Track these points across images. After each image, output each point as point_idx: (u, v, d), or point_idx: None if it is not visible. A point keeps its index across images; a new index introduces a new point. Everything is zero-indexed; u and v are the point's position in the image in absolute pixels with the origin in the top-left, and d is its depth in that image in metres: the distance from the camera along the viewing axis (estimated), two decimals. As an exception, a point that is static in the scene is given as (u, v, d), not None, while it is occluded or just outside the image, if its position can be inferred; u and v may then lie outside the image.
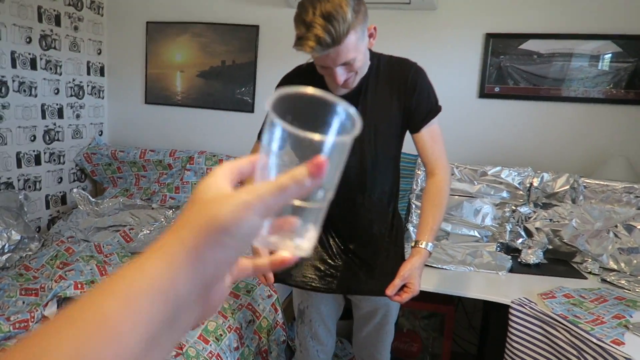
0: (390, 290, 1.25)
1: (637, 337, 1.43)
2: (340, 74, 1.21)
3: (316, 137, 0.35)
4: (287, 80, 1.47)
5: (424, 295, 1.80)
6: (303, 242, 0.38)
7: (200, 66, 2.97)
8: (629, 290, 1.80)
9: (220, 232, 0.32)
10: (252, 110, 2.90)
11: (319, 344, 1.63)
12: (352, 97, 1.34)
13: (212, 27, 2.90)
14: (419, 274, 1.28)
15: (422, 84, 1.35)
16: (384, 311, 1.52)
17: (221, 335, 1.63)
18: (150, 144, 3.05)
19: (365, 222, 1.43)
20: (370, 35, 1.28)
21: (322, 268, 1.44)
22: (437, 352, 2.26)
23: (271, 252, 0.41)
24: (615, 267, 1.99)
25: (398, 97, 1.35)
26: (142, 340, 0.31)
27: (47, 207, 2.75)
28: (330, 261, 1.44)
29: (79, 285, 1.82)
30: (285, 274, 1.43)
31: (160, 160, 2.83)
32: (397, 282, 1.26)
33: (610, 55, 2.35)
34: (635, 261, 1.95)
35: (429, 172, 1.40)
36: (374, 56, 1.39)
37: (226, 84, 2.93)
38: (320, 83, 1.36)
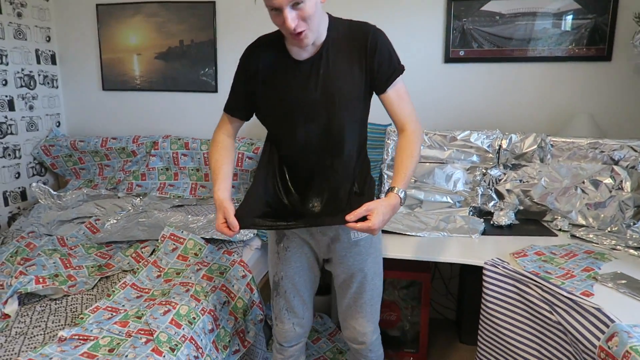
0: (350, 216, 1.23)
1: (605, 288, 1.46)
2: (291, 18, 1.19)
3: None
4: (250, 50, 1.44)
5: (400, 264, 1.81)
6: None
7: (157, 47, 2.84)
8: (597, 244, 1.83)
9: None
10: (215, 90, 2.81)
11: (295, 317, 1.60)
12: (314, 62, 1.33)
13: (166, 6, 2.78)
14: (382, 212, 1.24)
15: (382, 45, 1.33)
16: (359, 277, 1.49)
17: (194, 318, 1.59)
18: (111, 131, 2.93)
19: (329, 188, 1.40)
20: None
21: (283, 212, 1.42)
22: (416, 320, 2.28)
23: None
24: (583, 222, 2.02)
25: (359, 59, 1.33)
26: None
27: (6, 204, 2.62)
28: (291, 206, 1.43)
29: (41, 280, 1.74)
30: (246, 218, 1.37)
31: (124, 148, 2.72)
32: (359, 210, 1.23)
33: (572, 10, 2.35)
34: (602, 215, 1.98)
35: (399, 130, 1.39)
36: (333, 21, 1.37)
37: (186, 64, 2.82)
38: (282, 51, 1.35)
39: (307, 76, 1.34)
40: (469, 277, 2.25)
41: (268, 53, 1.39)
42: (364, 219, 1.24)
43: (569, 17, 2.35)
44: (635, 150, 2.01)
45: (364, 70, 1.34)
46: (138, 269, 1.93)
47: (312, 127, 1.36)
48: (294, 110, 1.36)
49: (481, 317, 1.68)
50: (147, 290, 1.81)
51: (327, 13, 1.38)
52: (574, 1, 2.33)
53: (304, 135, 1.37)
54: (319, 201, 1.42)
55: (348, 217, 1.24)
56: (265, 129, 1.47)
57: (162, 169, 2.70)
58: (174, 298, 1.65)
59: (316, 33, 1.29)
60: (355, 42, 1.33)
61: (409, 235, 1.94)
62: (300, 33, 1.23)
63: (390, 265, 1.71)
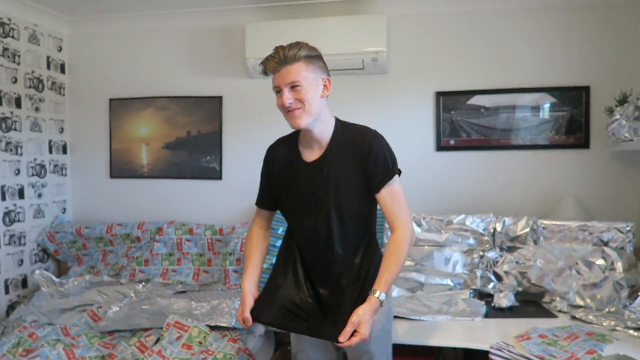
0: (342, 337, 1.34)
1: (611, 370, 1.48)
2: (287, 96, 1.41)
3: None
4: (270, 151, 1.66)
5: (404, 349, 1.82)
6: None
7: (165, 138, 3.01)
8: (598, 325, 1.88)
9: None
10: (219, 177, 2.94)
11: None
12: (319, 163, 1.51)
13: (176, 100, 2.99)
14: (368, 320, 1.35)
15: (376, 149, 1.48)
16: (367, 358, 1.56)
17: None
18: (117, 218, 3.00)
19: (334, 275, 1.52)
20: (325, 87, 1.48)
21: (294, 310, 1.54)
22: (424, 408, 2.22)
23: None
24: (581, 303, 2.07)
25: (356, 161, 1.49)
26: None
27: (7, 291, 2.61)
28: (302, 304, 1.55)
29: (46, 374, 1.72)
30: (261, 314, 1.53)
31: (128, 234, 2.78)
32: (347, 330, 1.35)
33: (548, 105, 2.58)
34: (599, 296, 2.04)
35: (391, 228, 1.51)
36: (338, 124, 1.55)
37: (192, 153, 2.98)
38: (296, 152, 1.57)
39: (313, 175, 1.52)
40: (473, 358, 2.23)
41: (283, 154, 1.60)
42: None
43: (546, 109, 2.58)
44: (622, 232, 2.12)
45: (360, 171, 1.49)
46: (142, 359, 1.91)
47: (316, 220, 1.52)
48: (301, 204, 1.54)
49: (491, 403, 1.67)
50: (152, 382, 1.78)
51: (335, 117, 1.55)
52: (550, 95, 2.57)
53: (310, 228, 1.53)
54: (326, 289, 1.54)
55: (340, 339, 1.34)
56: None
57: (165, 255, 2.74)
58: (181, 390, 1.63)
59: (312, 118, 1.46)
60: (355, 145, 1.50)
61: (412, 319, 1.97)
62: (293, 110, 1.43)
63: (395, 349, 1.72)
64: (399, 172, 1.52)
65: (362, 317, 1.35)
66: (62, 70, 3.08)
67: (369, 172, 1.48)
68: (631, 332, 1.79)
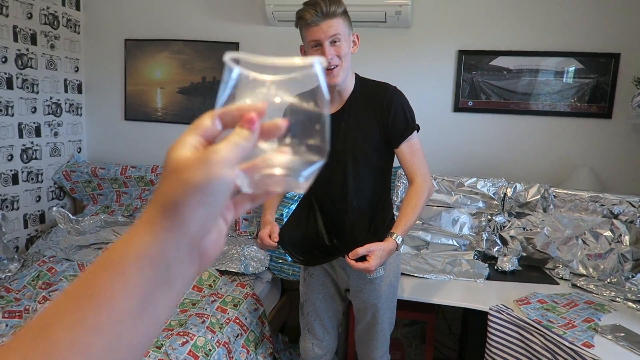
0: (351, 253, 1.41)
1: (605, 340, 1.53)
2: (330, 51, 1.41)
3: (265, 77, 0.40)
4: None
5: (406, 304, 1.88)
6: (276, 162, 0.40)
7: (180, 82, 2.99)
8: (597, 295, 1.91)
9: (197, 194, 0.36)
10: (233, 126, 2.93)
11: (314, 338, 1.77)
12: (337, 116, 1.53)
13: (192, 44, 2.94)
14: (379, 255, 1.42)
15: (397, 105, 1.51)
16: (372, 311, 1.65)
17: (210, 350, 1.65)
18: (131, 160, 3.04)
19: (347, 226, 1.57)
20: (354, 43, 1.51)
21: (311, 247, 1.64)
22: (419, 359, 2.33)
23: None
24: (584, 272, 2.11)
25: (376, 116, 1.51)
26: (134, 302, 0.36)
27: (25, 226, 2.71)
28: (318, 246, 1.63)
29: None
30: (284, 239, 1.60)
31: (142, 177, 2.83)
32: (359, 250, 1.41)
33: (573, 70, 2.49)
34: (602, 266, 2.07)
35: (409, 181, 1.56)
36: (358, 79, 1.57)
37: (207, 99, 2.96)
38: None
39: (332, 127, 1.48)
40: (472, 319, 2.30)
41: None
42: (364, 258, 1.41)
43: (571, 75, 2.50)
44: (634, 206, 2.11)
45: (380, 126, 1.51)
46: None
47: (332, 173, 1.54)
48: None
49: (485, 361, 1.74)
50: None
51: (355, 72, 1.53)
52: (577, 60, 2.48)
53: (327, 180, 1.55)
54: (340, 237, 1.60)
55: (350, 255, 1.42)
56: None
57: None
58: (191, 329, 1.72)
59: (346, 74, 1.49)
60: (375, 100, 1.52)
61: (416, 276, 2.02)
62: (333, 69, 1.43)
63: (398, 304, 1.79)
64: (418, 128, 1.55)
65: (377, 250, 1.41)
66: (77, 7, 3.02)
67: (389, 127, 1.50)
68: (630, 304, 1.83)
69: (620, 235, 2.09)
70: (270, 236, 1.55)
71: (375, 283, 1.61)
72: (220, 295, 2.04)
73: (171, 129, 3.03)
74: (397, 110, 1.50)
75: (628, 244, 2.06)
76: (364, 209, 1.56)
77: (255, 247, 2.31)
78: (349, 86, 1.54)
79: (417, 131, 1.56)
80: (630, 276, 1.98)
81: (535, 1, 2.49)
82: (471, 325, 2.32)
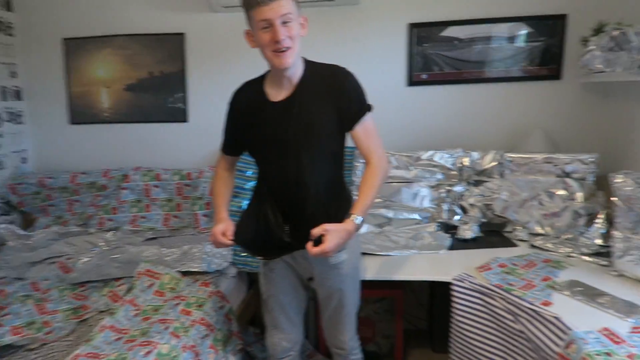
0: (309, 243, 1.38)
1: (563, 296, 1.56)
2: (282, 31, 1.36)
3: None
4: (235, 95, 1.62)
5: (373, 283, 1.87)
6: None
7: (126, 80, 2.87)
8: (554, 252, 1.95)
9: None
10: (185, 120, 2.85)
11: (281, 332, 1.74)
12: (288, 102, 1.48)
13: (135, 39, 2.81)
14: (337, 237, 1.37)
15: (350, 86, 1.48)
16: (338, 296, 1.63)
17: (175, 356, 1.59)
18: (80, 165, 2.91)
19: (306, 215, 1.52)
20: (302, 26, 1.45)
21: (269, 242, 1.58)
22: (391, 333, 2.34)
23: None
24: (541, 231, 2.14)
25: (329, 100, 1.47)
26: None
27: (-27, 246, 2.57)
28: (276, 240, 1.57)
29: (17, 331, 1.73)
30: (239, 236, 1.55)
31: (93, 182, 2.72)
32: (314, 231, 1.38)
33: (523, 35, 2.50)
34: (558, 224, 2.11)
35: (366, 162, 1.53)
36: (307, 63, 1.52)
37: (156, 95, 2.85)
38: (261, 94, 1.53)
39: (282, 115, 1.48)
40: (439, 289, 2.32)
41: (249, 96, 1.56)
42: (319, 241, 1.37)
43: (521, 40, 2.51)
44: (585, 163, 2.15)
45: (334, 109, 1.47)
46: (115, 309, 1.92)
47: (286, 162, 1.50)
48: (270, 146, 1.52)
49: (452, 329, 1.76)
50: (126, 330, 1.79)
51: (302, 57, 1.50)
52: (526, 24, 2.49)
53: (280, 169, 1.51)
54: (298, 228, 1.54)
55: (308, 245, 1.38)
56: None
57: (133, 202, 2.71)
58: (154, 337, 1.65)
59: (297, 57, 1.45)
60: (326, 84, 1.47)
61: (380, 255, 2.02)
62: (285, 51, 1.38)
63: (364, 283, 1.78)
64: (371, 108, 1.52)
65: (332, 232, 1.37)
66: (9, 8, 2.84)
67: (344, 110, 1.47)
68: (584, 257, 1.87)
69: (574, 192, 2.13)
70: (224, 234, 1.50)
71: (340, 268, 1.58)
72: (183, 298, 1.97)
73: (121, 129, 2.92)
74: (351, 93, 1.48)
75: (581, 200, 2.10)
76: (322, 196, 1.53)
77: (217, 242, 2.26)
78: (298, 71, 1.49)
79: (370, 111, 1.53)
80: (584, 230, 2.03)
81: (479, -33, 2.48)
82: (437, 295, 2.36)
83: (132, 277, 2.11)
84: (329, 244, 1.36)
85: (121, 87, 2.88)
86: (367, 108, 1.52)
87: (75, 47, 2.87)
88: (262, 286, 1.75)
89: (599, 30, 2.17)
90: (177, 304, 1.94)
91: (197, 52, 2.77)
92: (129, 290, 2.06)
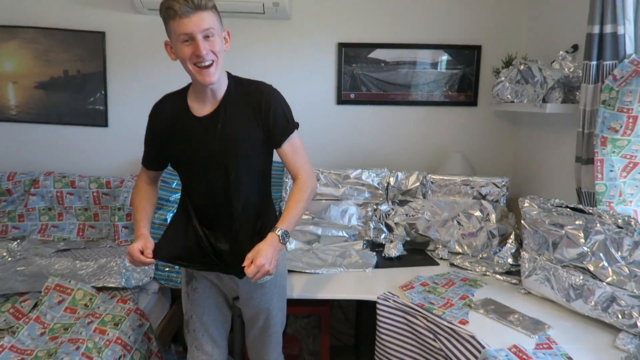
0: (247, 269, 1.33)
1: (478, 314, 1.67)
2: (204, 46, 1.32)
3: None
4: (156, 108, 1.55)
5: (300, 301, 1.88)
6: None
7: (37, 76, 2.63)
8: (471, 271, 2.09)
9: None
10: (105, 124, 2.67)
11: (204, 354, 1.67)
12: (212, 117, 1.44)
13: (49, 33, 2.59)
14: (264, 254, 1.35)
15: (275, 105, 1.46)
16: (265, 315, 1.61)
17: (87, 381, 1.49)
18: (-20, 168, 2.62)
19: (233, 231, 1.50)
20: (225, 40, 1.42)
21: (195, 256, 1.53)
22: (318, 350, 2.36)
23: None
24: (460, 250, 2.29)
25: (255, 117, 1.46)
26: None
27: None
28: (202, 257, 1.54)
29: None
30: (160, 251, 1.49)
31: (-4, 187, 2.46)
32: (245, 263, 1.35)
33: (444, 62, 2.67)
34: (475, 243, 2.26)
35: (293, 178, 1.54)
36: (232, 79, 1.49)
37: (72, 95, 2.64)
38: (185, 108, 1.48)
39: (206, 130, 1.44)
40: (365, 305, 2.40)
41: (172, 110, 1.49)
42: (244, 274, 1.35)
43: (443, 66, 2.67)
44: (498, 187, 2.33)
45: (260, 126, 1.46)
46: (17, 327, 1.75)
47: (211, 177, 1.46)
48: (194, 161, 1.46)
49: (376, 346, 1.81)
50: (29, 352, 1.65)
51: (227, 71, 1.45)
52: (446, 53, 2.66)
53: (205, 184, 1.47)
54: (225, 243, 1.52)
55: (244, 264, 1.34)
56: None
57: (44, 209, 2.48)
58: (62, 359, 1.53)
59: (221, 72, 1.41)
60: (251, 101, 1.45)
61: (308, 272, 2.03)
62: (209, 66, 1.34)
63: (291, 301, 1.78)
64: (297, 126, 1.53)
65: (258, 252, 1.35)
66: None
67: (270, 127, 1.46)
68: (497, 276, 2.02)
69: (488, 214, 2.30)
70: (143, 252, 1.42)
71: (266, 287, 1.57)
72: (98, 315, 1.85)
73: (30, 129, 2.67)
74: (277, 111, 1.46)
75: (495, 222, 2.27)
76: (249, 211, 1.51)
77: (137, 257, 2.14)
78: (222, 85, 1.45)
79: (297, 129, 1.53)
80: (497, 250, 2.20)
81: (407, -4, 2.61)
82: (364, 312, 2.42)
83: (39, 292, 1.94)
84: (259, 261, 1.32)
85: (31, 84, 2.63)
86: (294, 126, 1.52)
87: (-23, 35, 2.58)
88: (185, 306, 1.68)
89: (508, 63, 2.38)
90: (91, 322, 1.81)
91: (119, 53, 2.62)
92: (35, 306, 1.89)
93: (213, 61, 1.35)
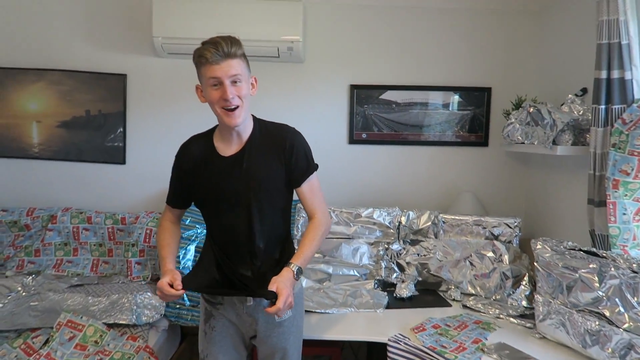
0: (272, 308, 1.35)
1: (491, 359, 1.63)
2: (231, 90, 1.40)
3: None
4: (183, 148, 1.61)
5: (310, 341, 1.85)
6: None
7: (60, 116, 2.73)
8: (484, 313, 2.05)
9: None
10: (123, 162, 2.74)
11: None
12: (237, 157, 1.51)
13: (74, 75, 2.71)
14: (285, 286, 1.38)
15: (298, 146, 1.54)
16: (281, 354, 1.60)
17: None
18: (2, 202, 2.69)
19: (255, 269, 1.53)
20: (252, 85, 1.50)
21: (223, 283, 1.55)
22: (328, 393, 2.30)
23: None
24: (473, 291, 2.25)
25: (278, 157, 1.53)
26: None
27: None
28: (227, 280, 1.55)
29: None
30: (190, 283, 1.50)
31: (15, 221, 2.52)
32: (271, 286, 1.37)
33: (456, 104, 2.71)
34: (488, 285, 2.23)
35: (309, 217, 1.59)
36: (256, 121, 1.57)
37: (92, 134, 2.74)
38: (211, 148, 1.54)
39: (232, 169, 1.51)
40: (375, 348, 2.35)
41: (198, 150, 1.56)
42: (273, 295, 1.37)
43: (454, 108, 2.72)
44: (510, 227, 2.32)
45: (283, 166, 1.52)
46: (28, 364, 1.76)
47: (236, 216, 1.51)
48: (220, 199, 1.51)
49: (387, 392, 1.77)
50: (38, 389, 1.65)
51: (252, 114, 1.54)
52: (457, 94, 2.71)
53: (229, 222, 1.52)
54: (250, 281, 1.53)
55: (271, 309, 1.35)
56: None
57: (59, 244, 2.53)
58: (71, 398, 1.53)
59: (246, 115, 1.49)
60: (276, 142, 1.53)
61: (319, 312, 2.01)
62: (234, 109, 1.42)
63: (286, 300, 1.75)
64: (317, 167, 1.59)
65: (278, 281, 1.38)
66: None
67: (292, 167, 1.53)
68: (512, 319, 1.98)
69: (501, 254, 2.27)
70: (172, 285, 1.43)
71: (284, 326, 1.58)
72: (107, 353, 1.85)
73: (51, 166, 2.75)
74: (299, 151, 1.53)
75: (508, 263, 2.25)
76: (270, 250, 1.55)
77: (149, 294, 2.15)
78: (247, 128, 1.53)
79: (316, 170, 1.59)
80: (511, 292, 2.16)
81: (419, 38, 2.69)
82: (375, 354, 2.37)
83: (51, 328, 1.95)
84: (283, 295, 1.35)
85: (54, 123, 2.74)
86: (314, 167, 1.58)
87: (5, 77, 2.71)
88: (201, 344, 1.67)
89: (518, 105, 2.42)
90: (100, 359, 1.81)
91: (139, 94, 2.72)
92: (46, 342, 1.90)
93: (239, 105, 1.43)
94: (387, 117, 2.71)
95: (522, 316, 2.02)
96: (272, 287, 1.38)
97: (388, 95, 2.70)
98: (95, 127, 2.74)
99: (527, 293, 2.11)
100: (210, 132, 1.60)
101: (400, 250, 2.37)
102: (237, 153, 1.52)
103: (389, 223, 2.39)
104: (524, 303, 2.08)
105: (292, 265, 1.45)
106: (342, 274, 2.33)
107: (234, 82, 1.41)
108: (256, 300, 1.54)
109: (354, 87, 2.69)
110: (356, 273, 2.34)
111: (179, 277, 1.46)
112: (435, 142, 2.74)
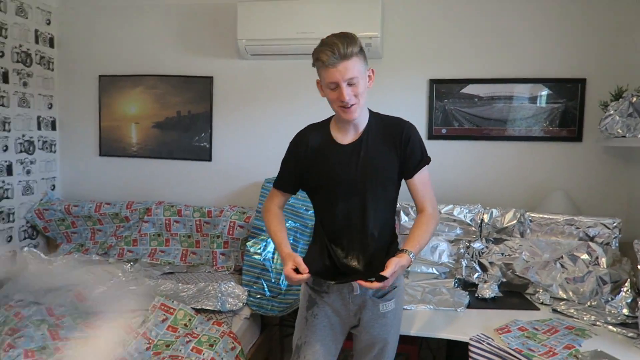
0: (386, 272, 1.37)
1: (586, 367, 1.51)
2: (348, 93, 1.42)
3: None
4: (300, 136, 1.64)
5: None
6: None
7: (155, 117, 2.98)
8: (578, 319, 1.90)
9: None
10: (209, 159, 2.91)
11: None
12: (355, 145, 1.55)
13: (166, 79, 2.94)
14: (395, 269, 1.39)
15: (414, 138, 1.55)
16: (381, 345, 1.60)
17: (183, 396, 1.58)
18: (105, 196, 2.99)
19: (367, 256, 1.54)
20: (369, 77, 1.52)
21: (334, 271, 1.56)
22: (405, 393, 2.26)
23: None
24: (564, 296, 2.09)
25: (394, 148, 1.54)
26: None
27: (-5, 268, 2.61)
28: (337, 269, 1.57)
29: (29, 354, 1.73)
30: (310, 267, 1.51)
31: (117, 213, 2.77)
32: (389, 270, 1.38)
33: (543, 96, 2.55)
34: (582, 289, 2.06)
35: (419, 210, 1.60)
36: (372, 113, 1.60)
37: (182, 133, 2.95)
38: (328, 136, 1.58)
39: (349, 157, 1.54)
40: (455, 349, 2.27)
41: (315, 138, 1.60)
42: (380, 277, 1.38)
43: (542, 101, 2.55)
44: (608, 228, 2.13)
45: (398, 156, 1.54)
46: (128, 341, 1.92)
47: (350, 203, 1.54)
48: (335, 186, 1.54)
49: (468, 393, 1.70)
50: (136, 364, 1.79)
51: (367, 107, 1.58)
52: (545, 86, 2.54)
53: (343, 210, 1.55)
54: (359, 265, 1.56)
55: (385, 273, 1.37)
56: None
57: (154, 235, 2.74)
58: (164, 374, 1.64)
59: (362, 110, 1.52)
60: (392, 132, 1.55)
61: (396, 308, 1.99)
62: (351, 106, 1.44)
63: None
64: (429, 161, 1.60)
65: (392, 263, 1.39)
66: (51, 45, 3.02)
67: (406, 159, 1.54)
68: (610, 327, 1.81)
69: (597, 257, 2.09)
70: (296, 269, 1.45)
71: (387, 317, 1.58)
72: (195, 335, 1.97)
73: (147, 163, 3.00)
74: (415, 144, 1.55)
75: (605, 267, 2.06)
76: (381, 239, 1.56)
77: (233, 283, 2.26)
78: (364, 119, 1.56)
79: (428, 164, 1.59)
80: (609, 299, 1.97)
81: (503, 29, 2.57)
82: (454, 355, 2.29)
83: (146, 310, 2.11)
84: (388, 271, 1.37)
85: (150, 124, 2.98)
86: (427, 160, 1.59)
87: (109, 84, 3.01)
88: (299, 331, 1.66)
89: (618, 96, 2.21)
90: (189, 341, 1.93)
91: (224, 95, 2.88)
92: (143, 322, 2.06)
93: (355, 103, 1.46)
94: (469, 111, 2.61)
95: (623, 325, 1.84)
96: (389, 265, 1.38)
97: (469, 89, 2.60)
98: (185, 126, 2.94)
99: (629, 300, 1.92)
100: (327, 121, 1.63)
101: (483, 249, 2.26)
102: (355, 141, 1.54)
103: (470, 220, 2.30)
104: (625, 311, 1.90)
105: (408, 251, 1.45)
106: (420, 272, 2.28)
107: (351, 84, 1.43)
108: (363, 289, 1.54)
109: (433, 82, 2.63)
110: (435, 271, 2.28)
111: (301, 261, 1.46)
112: (521, 137, 2.59)
